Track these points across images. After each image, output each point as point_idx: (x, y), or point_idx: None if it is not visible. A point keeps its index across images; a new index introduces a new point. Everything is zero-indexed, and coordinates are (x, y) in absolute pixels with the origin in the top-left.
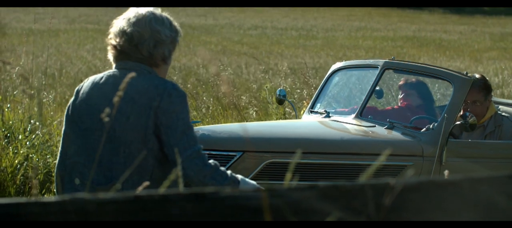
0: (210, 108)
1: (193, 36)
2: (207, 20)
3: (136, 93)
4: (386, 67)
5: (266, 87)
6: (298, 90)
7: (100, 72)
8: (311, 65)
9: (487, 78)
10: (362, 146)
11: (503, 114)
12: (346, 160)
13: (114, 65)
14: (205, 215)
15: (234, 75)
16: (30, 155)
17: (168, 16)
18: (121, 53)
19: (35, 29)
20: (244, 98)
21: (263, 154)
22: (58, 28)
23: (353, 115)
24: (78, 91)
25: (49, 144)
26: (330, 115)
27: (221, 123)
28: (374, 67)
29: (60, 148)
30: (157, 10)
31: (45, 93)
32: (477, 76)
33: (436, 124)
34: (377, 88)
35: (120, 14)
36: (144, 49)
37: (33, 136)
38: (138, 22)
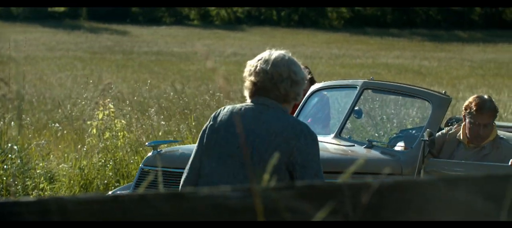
0: (185, 130)
1: (172, 64)
2: (186, 48)
3: (275, 128)
4: (365, 87)
5: None
6: None
7: (79, 97)
8: None
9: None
10: (341, 165)
11: (502, 137)
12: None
13: (250, 100)
14: (184, 215)
15: (213, 102)
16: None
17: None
18: (259, 89)
19: (14, 56)
20: None
21: None
22: (37, 55)
23: (333, 135)
24: (215, 117)
25: (27, 167)
26: None
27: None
28: (353, 87)
29: (189, 165)
30: (289, 53)
31: (24, 116)
32: (486, 97)
33: (415, 143)
34: (356, 108)
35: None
36: (282, 88)
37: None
38: (278, 63)
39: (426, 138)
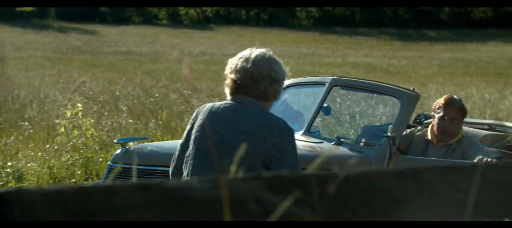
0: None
1: (141, 63)
2: (155, 47)
3: (252, 126)
4: (333, 84)
5: None
6: None
7: (47, 96)
8: None
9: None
10: (309, 162)
11: (469, 135)
12: None
13: (230, 97)
14: (150, 205)
15: (181, 100)
16: None
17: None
18: (239, 87)
19: None
20: (186, 120)
21: None
22: (5, 54)
23: (301, 132)
24: (196, 115)
25: None
26: None
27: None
28: (321, 84)
29: (177, 155)
30: (270, 52)
31: None
32: (456, 97)
33: (383, 139)
34: (325, 105)
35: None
36: (262, 86)
37: None
38: (258, 61)
39: (389, 134)
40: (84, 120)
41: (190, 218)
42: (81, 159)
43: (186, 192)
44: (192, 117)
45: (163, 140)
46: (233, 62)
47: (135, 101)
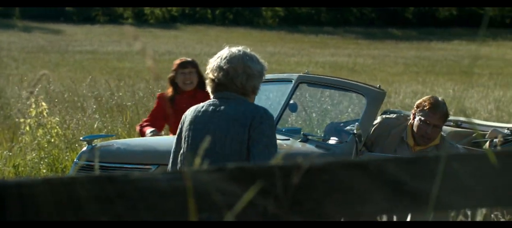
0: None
1: (107, 62)
2: (121, 47)
3: (234, 114)
4: (300, 81)
5: None
6: None
7: (12, 96)
8: None
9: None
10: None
11: (445, 139)
12: None
13: (212, 96)
14: (114, 197)
15: (146, 99)
16: None
17: (256, 54)
18: (218, 85)
19: None
20: None
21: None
22: None
23: None
24: (184, 118)
25: None
26: None
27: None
28: (288, 81)
29: (171, 160)
30: (247, 49)
31: None
32: (440, 99)
33: (350, 136)
34: (291, 102)
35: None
36: (238, 82)
37: None
38: (232, 59)
39: (355, 131)
40: (49, 118)
41: (154, 210)
42: (47, 158)
43: (150, 183)
44: (181, 121)
45: (130, 138)
46: (212, 62)
47: (101, 99)
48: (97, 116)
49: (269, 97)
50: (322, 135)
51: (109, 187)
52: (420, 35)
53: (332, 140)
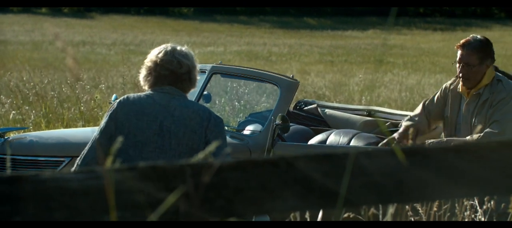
0: (33, 118)
1: (18, 52)
2: (35, 36)
3: (186, 113)
4: (213, 72)
5: (96, 97)
6: None
7: None
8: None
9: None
10: None
11: (500, 81)
12: None
13: (150, 89)
14: (26, 198)
15: (59, 90)
16: None
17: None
18: (157, 79)
19: None
20: (72, 110)
21: None
22: None
23: None
24: (123, 106)
25: None
26: None
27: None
28: (202, 72)
29: (86, 152)
30: (183, 46)
31: None
32: (479, 37)
33: (263, 127)
34: (205, 92)
35: None
36: (181, 76)
37: None
38: (171, 53)
39: (279, 122)
40: None
41: (67, 209)
42: None
43: (60, 183)
44: (109, 110)
45: (47, 129)
46: (151, 56)
47: (16, 90)
48: (12, 109)
49: None
50: (237, 125)
51: (21, 187)
52: (335, 24)
53: (247, 131)
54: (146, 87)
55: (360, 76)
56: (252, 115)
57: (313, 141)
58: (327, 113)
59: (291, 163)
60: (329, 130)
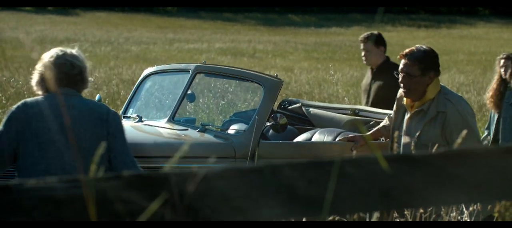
0: None
1: (3, 50)
2: (18, 33)
3: (85, 110)
4: (197, 71)
5: None
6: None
7: None
8: (125, 77)
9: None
10: (174, 149)
11: (446, 97)
12: (160, 164)
13: (45, 92)
14: (10, 208)
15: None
16: None
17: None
18: (54, 82)
19: None
20: None
21: None
22: None
23: (166, 119)
24: (23, 110)
25: None
26: (142, 119)
27: None
28: (185, 71)
29: None
30: (73, 48)
31: None
32: (423, 47)
33: (247, 126)
34: (189, 92)
35: None
36: (74, 77)
37: None
38: (58, 58)
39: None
40: None
41: (52, 218)
42: None
43: (45, 192)
44: (8, 115)
45: None
46: (43, 61)
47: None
48: None
49: (165, 87)
50: (221, 124)
51: (4, 196)
52: (319, 21)
53: (231, 130)
54: (40, 92)
55: (339, 74)
56: (237, 114)
57: (297, 140)
58: (312, 112)
59: (276, 171)
60: (314, 129)
